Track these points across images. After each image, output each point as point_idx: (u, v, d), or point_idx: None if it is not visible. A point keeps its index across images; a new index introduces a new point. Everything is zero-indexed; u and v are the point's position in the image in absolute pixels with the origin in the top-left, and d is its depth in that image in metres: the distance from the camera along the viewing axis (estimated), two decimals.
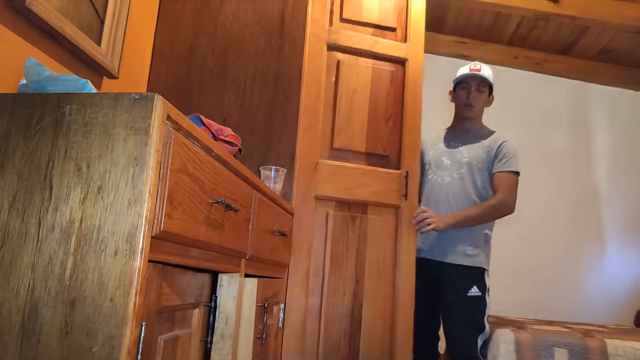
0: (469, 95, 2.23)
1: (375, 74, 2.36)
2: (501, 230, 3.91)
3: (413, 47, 2.44)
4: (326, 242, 2.13)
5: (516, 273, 3.89)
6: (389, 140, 2.33)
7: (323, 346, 2.07)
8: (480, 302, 2.09)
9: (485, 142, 2.19)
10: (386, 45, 2.40)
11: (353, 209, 2.21)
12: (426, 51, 4.07)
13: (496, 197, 2.11)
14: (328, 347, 2.08)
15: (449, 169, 2.18)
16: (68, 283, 0.78)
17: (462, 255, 2.13)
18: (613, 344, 2.36)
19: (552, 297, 3.88)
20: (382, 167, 2.26)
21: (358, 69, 2.33)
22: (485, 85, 2.24)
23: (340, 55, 2.28)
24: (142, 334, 0.79)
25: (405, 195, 2.23)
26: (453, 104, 2.42)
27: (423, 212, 2.05)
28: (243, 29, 2.19)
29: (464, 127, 2.27)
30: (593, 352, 2.33)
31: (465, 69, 2.25)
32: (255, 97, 2.13)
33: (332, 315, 2.10)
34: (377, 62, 2.36)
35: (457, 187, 2.15)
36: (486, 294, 2.12)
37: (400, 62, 2.41)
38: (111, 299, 0.76)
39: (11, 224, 0.81)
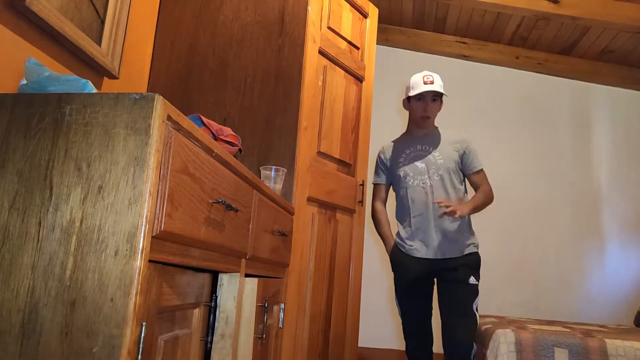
0: (426, 108, 2.27)
1: (347, 85, 2.47)
2: (502, 229, 3.92)
3: (369, 69, 2.67)
4: (311, 242, 2.18)
5: (516, 273, 3.89)
6: (352, 149, 2.51)
7: (308, 343, 2.13)
8: (476, 291, 2.18)
9: (452, 143, 2.30)
10: (354, 61, 2.54)
11: (329, 211, 2.32)
12: (428, 51, 4.12)
13: (485, 187, 2.29)
14: (311, 343, 2.15)
15: (428, 173, 2.25)
16: (68, 283, 0.78)
17: (463, 247, 2.23)
18: (613, 344, 2.36)
19: (553, 297, 3.88)
20: (347, 175, 2.45)
21: (337, 78, 2.40)
22: (438, 95, 2.28)
23: (324, 61, 2.32)
24: (143, 334, 0.79)
25: (361, 202, 2.51)
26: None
27: (447, 202, 2.16)
28: (243, 29, 2.19)
29: (423, 132, 2.33)
30: (593, 352, 2.33)
31: (419, 81, 2.26)
32: (256, 97, 2.13)
33: (314, 313, 2.17)
34: (347, 75, 2.49)
35: (440, 188, 2.23)
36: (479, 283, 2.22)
37: (360, 80, 2.60)
38: (111, 299, 0.76)
39: (11, 224, 0.81)
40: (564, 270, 3.93)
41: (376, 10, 2.73)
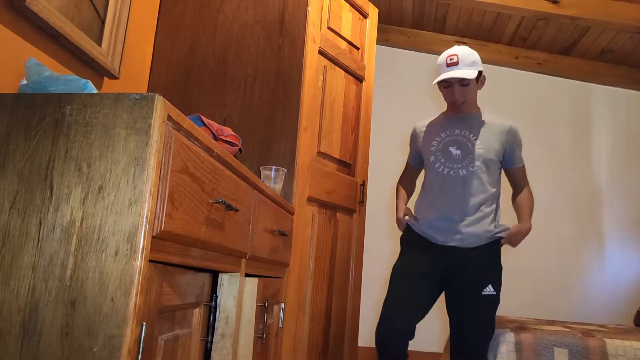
0: (454, 94, 2.02)
1: (347, 85, 2.48)
2: None
3: (369, 69, 2.66)
4: (311, 242, 2.18)
5: (516, 272, 3.89)
6: (352, 149, 2.51)
7: (308, 343, 2.13)
8: (494, 302, 1.96)
9: (497, 133, 2.05)
10: (354, 61, 2.54)
11: (329, 211, 2.33)
12: (428, 51, 4.12)
13: (528, 191, 2.19)
14: (311, 343, 2.15)
15: (461, 161, 2.00)
16: (69, 283, 0.78)
17: (483, 237, 2.00)
18: (613, 344, 2.36)
19: (553, 297, 3.88)
20: (347, 175, 2.45)
21: (337, 78, 2.40)
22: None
23: (324, 61, 2.32)
24: (143, 334, 0.79)
25: (362, 202, 2.52)
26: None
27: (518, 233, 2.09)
28: (243, 29, 2.19)
29: (461, 115, 2.09)
30: (593, 352, 2.33)
31: (442, 64, 1.99)
32: (256, 97, 2.13)
33: (314, 313, 2.17)
34: (347, 75, 2.49)
35: (474, 181, 1.98)
36: (499, 292, 2.00)
37: (360, 79, 2.60)
38: (112, 299, 0.76)
39: (12, 224, 0.81)
40: (564, 269, 3.93)
41: (376, 10, 2.74)
